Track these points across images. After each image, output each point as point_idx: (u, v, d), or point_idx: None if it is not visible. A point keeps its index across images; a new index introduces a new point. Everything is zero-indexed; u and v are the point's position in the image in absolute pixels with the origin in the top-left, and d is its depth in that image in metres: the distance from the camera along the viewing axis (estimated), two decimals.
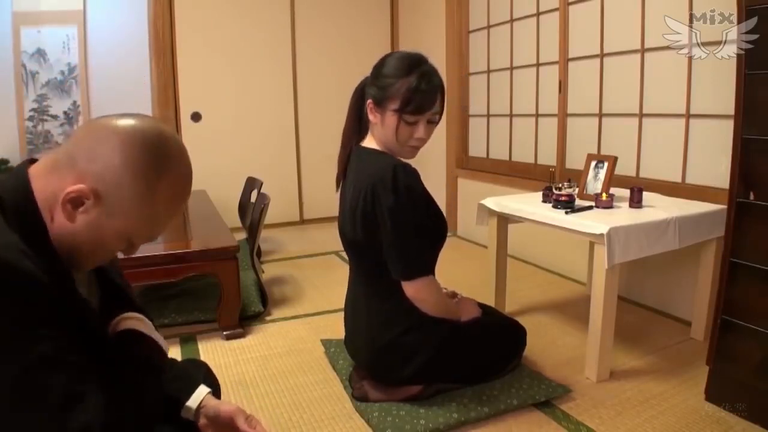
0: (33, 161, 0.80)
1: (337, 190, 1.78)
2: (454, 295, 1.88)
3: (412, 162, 1.63)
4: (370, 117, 1.59)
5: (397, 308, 1.61)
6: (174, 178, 0.79)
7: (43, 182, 0.76)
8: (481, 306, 1.86)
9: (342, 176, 1.75)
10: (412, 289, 1.58)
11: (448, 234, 4.21)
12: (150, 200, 0.77)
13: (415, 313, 1.61)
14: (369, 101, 1.58)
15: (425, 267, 1.58)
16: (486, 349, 1.75)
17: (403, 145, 1.57)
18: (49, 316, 0.70)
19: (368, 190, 1.53)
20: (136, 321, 0.89)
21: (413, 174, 1.54)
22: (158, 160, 0.76)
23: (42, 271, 0.71)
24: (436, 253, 1.68)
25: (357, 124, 1.69)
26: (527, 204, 2.21)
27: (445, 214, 4.09)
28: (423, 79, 1.50)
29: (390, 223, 1.51)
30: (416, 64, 1.53)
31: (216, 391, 1.18)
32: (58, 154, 0.78)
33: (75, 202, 0.74)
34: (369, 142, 1.64)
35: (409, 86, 1.49)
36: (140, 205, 0.77)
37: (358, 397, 1.71)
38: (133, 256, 2.03)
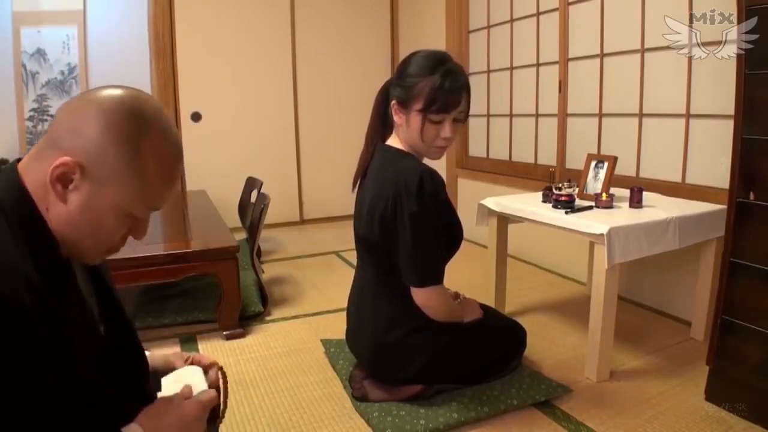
0: (21, 160, 0.78)
1: (353, 189, 1.77)
2: (457, 295, 1.88)
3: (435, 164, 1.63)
4: (395, 118, 1.58)
5: (403, 310, 1.61)
6: (156, 137, 0.76)
7: (33, 175, 0.74)
8: (482, 307, 1.86)
9: (362, 175, 1.73)
10: (422, 296, 1.58)
11: None
12: (136, 163, 0.74)
13: (419, 316, 1.61)
14: (393, 102, 1.57)
15: (438, 276, 1.58)
16: (486, 351, 1.75)
17: (429, 146, 1.56)
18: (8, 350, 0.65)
19: (391, 193, 1.52)
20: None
21: (439, 182, 1.53)
22: (137, 120, 0.74)
23: (35, 270, 0.69)
24: (448, 261, 1.68)
25: (381, 124, 1.68)
26: (527, 204, 2.21)
27: None
28: (447, 78, 1.48)
29: (410, 229, 1.50)
30: (440, 62, 1.51)
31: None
32: (40, 142, 0.76)
33: (63, 179, 0.72)
34: (393, 142, 1.63)
35: (433, 85, 1.47)
36: (127, 169, 0.74)
37: (358, 397, 1.71)
38: (134, 256, 2.01)
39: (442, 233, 1.56)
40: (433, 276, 1.57)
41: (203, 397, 0.91)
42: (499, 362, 1.79)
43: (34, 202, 0.74)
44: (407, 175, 1.50)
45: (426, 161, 1.62)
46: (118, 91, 0.76)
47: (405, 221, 1.50)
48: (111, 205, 0.75)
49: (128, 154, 0.73)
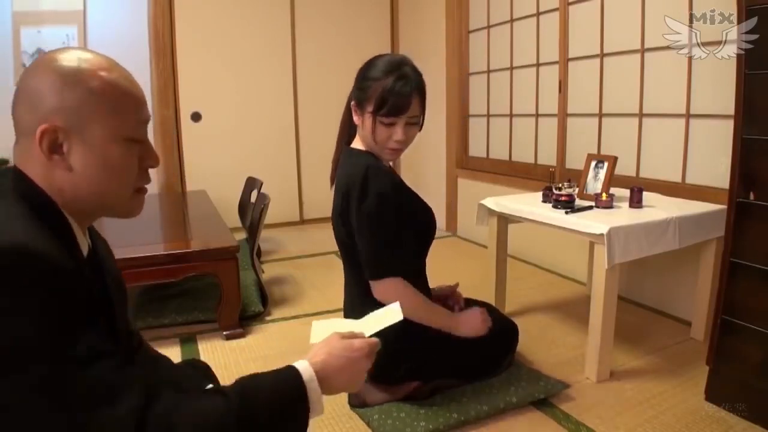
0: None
1: (331, 189, 1.82)
2: (452, 291, 1.87)
3: (407, 162, 1.64)
4: (354, 118, 1.62)
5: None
6: (88, 62, 0.79)
7: (31, 171, 0.77)
8: (474, 301, 1.86)
9: (334, 175, 1.79)
10: (377, 289, 1.57)
11: (448, 234, 4.19)
12: (91, 89, 0.77)
13: None
14: (353, 103, 1.62)
15: (392, 268, 1.57)
16: (477, 347, 1.72)
17: (382, 147, 1.58)
18: (79, 308, 0.68)
19: (343, 191, 1.58)
20: None
21: (385, 176, 1.55)
22: (65, 60, 0.78)
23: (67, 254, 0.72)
24: (421, 252, 1.69)
25: (348, 126, 1.72)
26: (527, 204, 2.21)
27: (444, 214, 4.05)
28: (399, 82, 1.50)
29: (359, 224, 1.54)
30: (396, 66, 1.54)
31: None
32: (16, 148, 0.80)
33: (53, 146, 0.76)
34: (356, 143, 1.68)
35: (384, 88, 1.50)
36: (92, 98, 0.77)
37: (357, 405, 1.70)
38: (134, 256, 2.03)
39: (395, 227, 1.55)
40: (386, 268, 1.56)
41: (372, 340, 0.94)
42: (492, 359, 1.79)
43: (46, 193, 0.77)
44: (355, 172, 1.55)
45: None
46: (33, 62, 0.80)
47: (356, 218, 1.54)
48: (106, 139, 0.78)
49: (80, 87, 0.76)
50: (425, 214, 1.70)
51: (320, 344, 0.91)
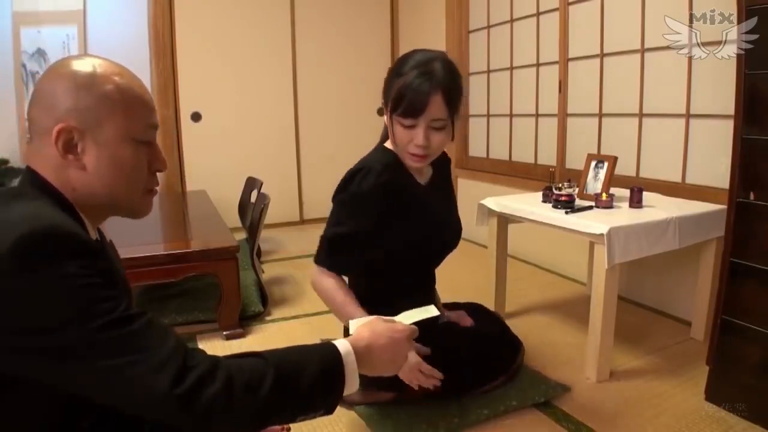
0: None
1: None
2: (459, 318, 1.80)
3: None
4: (385, 118, 1.50)
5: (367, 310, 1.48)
6: (102, 66, 0.84)
7: (41, 164, 0.81)
8: (481, 311, 1.85)
9: None
10: (311, 272, 1.55)
11: None
12: (105, 92, 0.81)
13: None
14: (382, 101, 1.47)
15: (323, 257, 1.52)
16: (463, 363, 1.62)
17: (402, 151, 1.43)
18: (114, 276, 0.76)
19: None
20: None
21: (373, 180, 1.43)
22: (81, 64, 0.83)
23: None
24: (412, 269, 1.61)
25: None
26: (527, 204, 2.21)
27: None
28: (419, 78, 1.32)
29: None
30: (425, 62, 1.36)
31: None
32: (28, 149, 0.84)
33: (68, 146, 0.79)
34: (388, 142, 1.55)
35: (403, 84, 1.34)
36: (106, 102, 0.81)
37: None
38: (134, 256, 2.02)
39: (356, 227, 1.47)
40: (321, 255, 1.52)
41: (412, 326, 0.99)
42: (478, 376, 1.70)
43: (59, 190, 0.81)
44: (354, 167, 1.49)
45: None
46: (50, 67, 0.85)
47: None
48: (117, 138, 0.82)
49: (95, 90, 0.80)
50: (419, 229, 1.53)
51: (363, 326, 0.94)
